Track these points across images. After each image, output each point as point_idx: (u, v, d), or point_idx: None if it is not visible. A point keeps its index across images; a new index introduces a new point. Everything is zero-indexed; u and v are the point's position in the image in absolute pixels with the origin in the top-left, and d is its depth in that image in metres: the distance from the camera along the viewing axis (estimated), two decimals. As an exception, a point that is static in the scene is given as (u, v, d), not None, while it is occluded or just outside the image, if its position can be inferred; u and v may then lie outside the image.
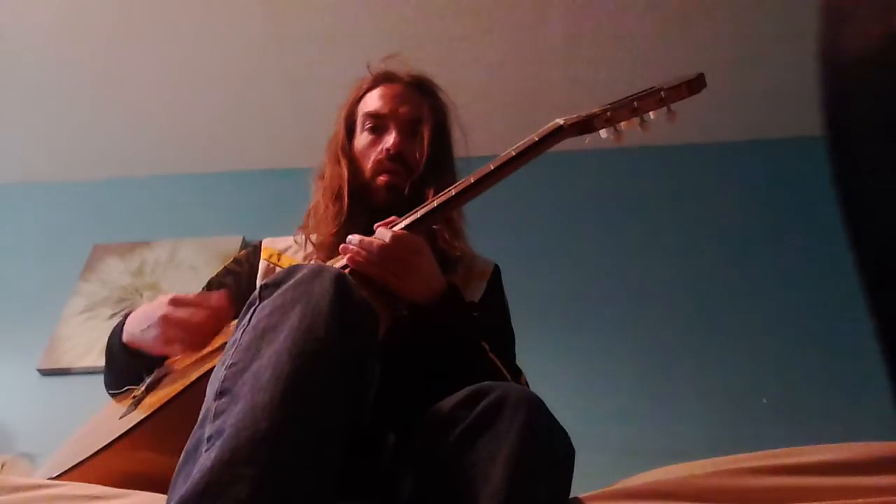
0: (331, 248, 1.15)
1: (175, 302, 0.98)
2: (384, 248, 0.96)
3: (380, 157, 1.19)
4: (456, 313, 1.02)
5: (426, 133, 1.21)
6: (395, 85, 1.26)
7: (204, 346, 0.99)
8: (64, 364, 2.33)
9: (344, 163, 1.21)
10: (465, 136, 1.29)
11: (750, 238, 2.42)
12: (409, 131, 1.21)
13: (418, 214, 1.03)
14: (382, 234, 0.98)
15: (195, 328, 0.96)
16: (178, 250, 2.61)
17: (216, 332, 0.98)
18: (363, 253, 0.97)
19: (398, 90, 1.25)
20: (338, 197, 1.19)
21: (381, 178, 1.18)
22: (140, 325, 1.03)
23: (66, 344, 2.39)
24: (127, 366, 1.09)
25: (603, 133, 1.06)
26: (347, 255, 0.98)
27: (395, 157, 1.18)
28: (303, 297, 0.75)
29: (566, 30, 2.37)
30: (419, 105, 1.24)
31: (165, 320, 0.97)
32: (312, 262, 1.16)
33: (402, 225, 1.02)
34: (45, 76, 2.52)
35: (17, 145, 2.77)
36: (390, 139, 1.19)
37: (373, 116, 1.23)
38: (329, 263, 1.06)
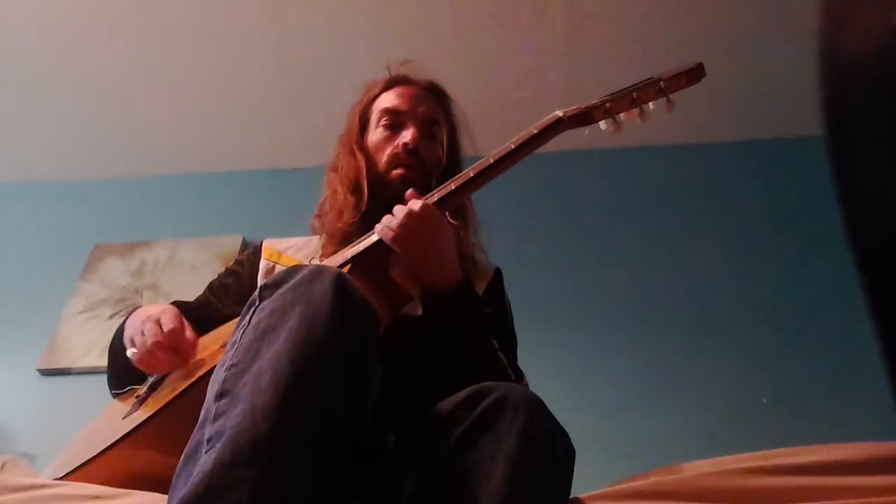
0: (343, 240, 1.15)
1: (157, 323, 0.97)
2: (410, 214, 0.98)
3: (396, 150, 1.20)
4: (469, 308, 1.02)
5: (444, 135, 1.23)
6: (411, 86, 1.28)
7: (157, 372, 1.01)
8: (64, 364, 2.33)
9: (360, 155, 1.22)
10: (473, 142, 1.31)
11: (750, 238, 2.42)
12: (425, 130, 1.22)
13: None
14: (412, 203, 0.99)
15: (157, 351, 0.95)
16: (178, 250, 2.60)
17: (171, 367, 0.99)
18: (394, 222, 0.98)
19: (415, 91, 1.27)
20: (356, 187, 1.19)
21: (397, 172, 1.19)
22: (133, 327, 1.02)
23: (66, 344, 2.38)
24: (128, 363, 1.09)
25: (602, 125, 1.05)
26: (380, 228, 0.99)
27: (412, 153, 1.19)
28: (302, 298, 0.75)
29: (566, 25, 2.37)
30: (436, 108, 1.26)
31: (138, 339, 0.97)
32: (314, 261, 1.16)
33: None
34: (45, 76, 2.52)
35: (17, 145, 2.77)
36: (408, 134, 1.20)
37: (390, 113, 1.24)
38: (331, 259, 1.06)
